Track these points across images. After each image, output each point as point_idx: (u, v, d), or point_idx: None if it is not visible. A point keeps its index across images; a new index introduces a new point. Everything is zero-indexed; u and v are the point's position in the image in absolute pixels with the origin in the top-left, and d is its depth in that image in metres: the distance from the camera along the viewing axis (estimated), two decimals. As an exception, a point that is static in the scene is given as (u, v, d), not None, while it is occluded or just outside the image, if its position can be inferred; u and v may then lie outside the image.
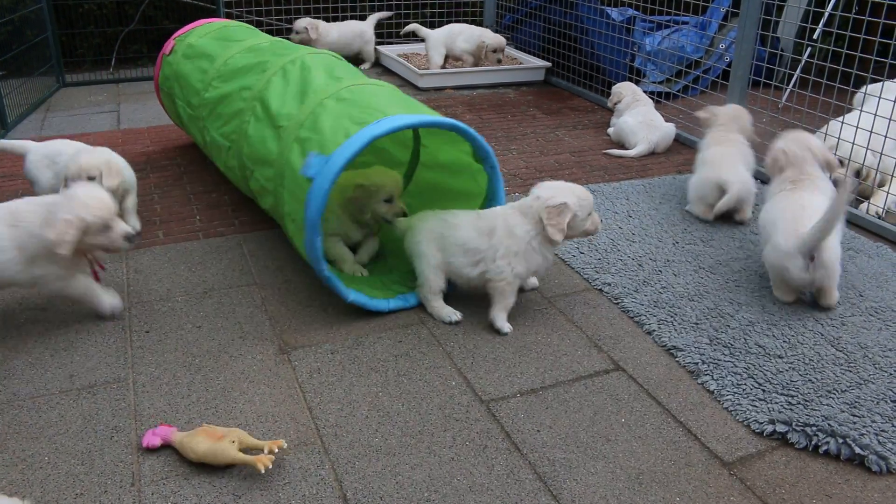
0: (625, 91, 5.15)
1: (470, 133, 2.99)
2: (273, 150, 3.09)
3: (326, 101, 3.03)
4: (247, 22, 6.84)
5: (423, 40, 6.62)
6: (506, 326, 2.89)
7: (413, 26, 6.63)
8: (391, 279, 3.21)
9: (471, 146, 3.09)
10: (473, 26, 6.60)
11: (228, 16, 6.70)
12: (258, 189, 3.29)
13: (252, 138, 3.29)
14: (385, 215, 3.15)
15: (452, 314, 2.96)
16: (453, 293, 3.10)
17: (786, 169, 3.23)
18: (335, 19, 7.27)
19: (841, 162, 4.00)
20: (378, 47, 7.09)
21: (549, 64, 6.56)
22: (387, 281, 3.20)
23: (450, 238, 2.93)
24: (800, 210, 2.97)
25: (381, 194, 3.11)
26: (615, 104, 5.15)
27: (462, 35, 6.46)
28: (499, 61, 6.41)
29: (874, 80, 4.08)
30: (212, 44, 4.15)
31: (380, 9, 7.40)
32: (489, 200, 3.21)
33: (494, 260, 2.86)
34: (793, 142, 3.29)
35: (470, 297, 3.12)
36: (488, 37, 6.37)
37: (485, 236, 2.89)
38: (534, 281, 3.19)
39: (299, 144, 2.93)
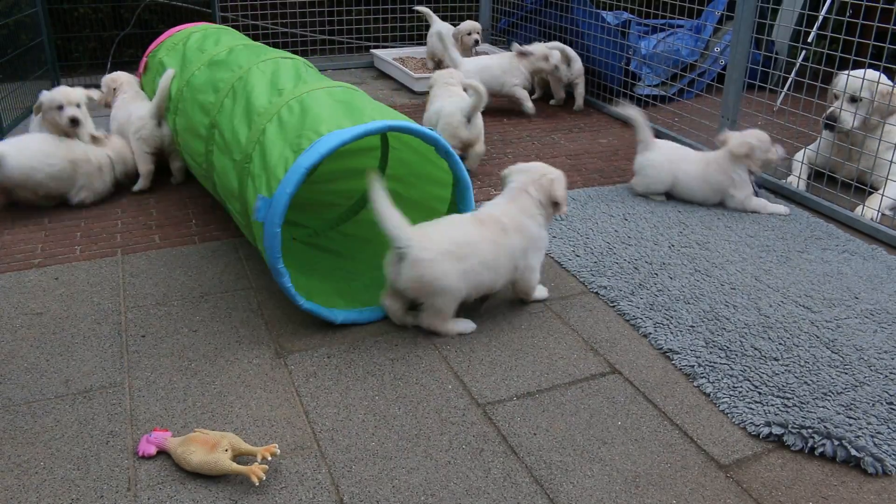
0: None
1: (409, 128, 2.83)
2: (235, 184, 3.01)
3: (267, 126, 2.91)
4: (242, 27, 6.84)
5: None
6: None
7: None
8: (356, 287, 3.15)
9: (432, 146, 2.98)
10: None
11: (224, 20, 6.70)
12: (238, 222, 3.22)
13: (218, 170, 3.21)
14: None
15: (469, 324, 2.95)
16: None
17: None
18: (329, 23, 7.28)
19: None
20: (374, 50, 7.10)
21: (544, 67, 6.56)
22: (352, 289, 3.13)
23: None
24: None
25: None
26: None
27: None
28: (476, 42, 6.40)
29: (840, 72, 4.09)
30: (176, 62, 4.04)
31: (375, 13, 7.40)
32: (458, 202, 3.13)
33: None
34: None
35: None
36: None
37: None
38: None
39: (252, 181, 2.85)
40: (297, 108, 2.93)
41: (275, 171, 2.72)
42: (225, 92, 3.35)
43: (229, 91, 3.34)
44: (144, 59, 4.40)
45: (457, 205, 3.08)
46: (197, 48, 3.97)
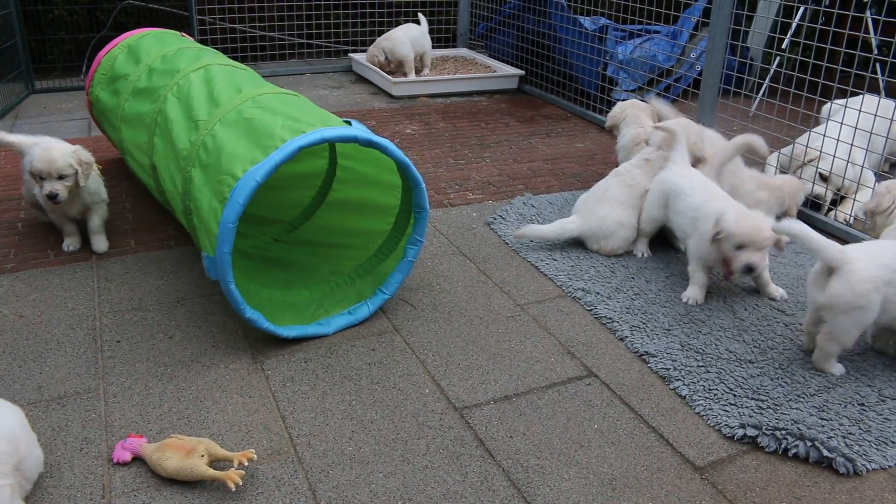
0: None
1: (321, 139, 2.66)
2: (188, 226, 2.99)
3: (193, 173, 2.82)
4: (220, 30, 6.80)
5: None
6: None
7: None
8: (304, 297, 3.10)
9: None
10: None
11: (201, 23, 6.66)
12: None
13: (178, 213, 3.15)
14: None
15: None
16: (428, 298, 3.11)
17: None
18: (308, 27, 7.27)
19: (823, 177, 4.06)
20: (352, 55, 7.09)
21: (522, 72, 6.59)
22: (301, 301, 3.08)
23: None
24: None
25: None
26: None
27: None
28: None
29: (847, 91, 4.13)
30: (109, 97, 3.92)
31: (353, 17, 7.39)
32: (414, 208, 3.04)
33: None
34: None
35: (443, 304, 3.13)
36: None
37: None
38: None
39: (196, 234, 2.82)
40: (210, 144, 2.81)
41: (209, 224, 2.65)
42: (152, 129, 3.28)
43: (154, 128, 3.26)
44: (87, 96, 4.26)
45: (407, 181, 2.97)
46: (122, 75, 3.85)
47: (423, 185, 2.92)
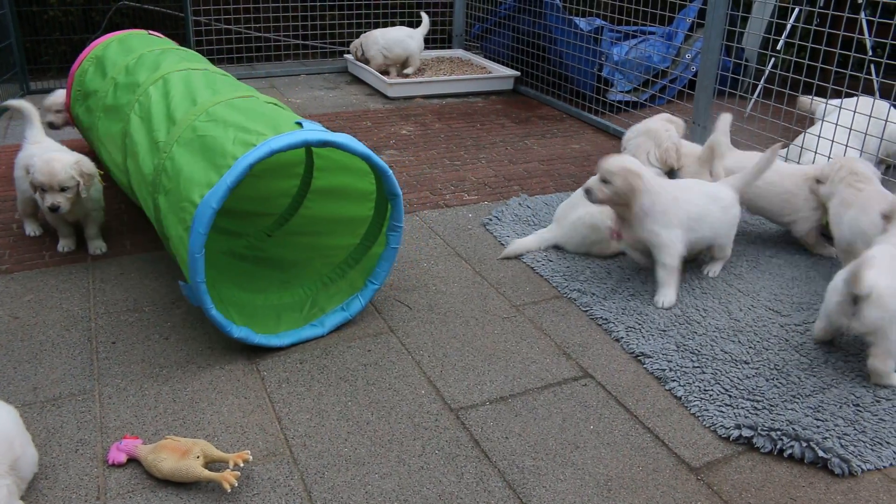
0: None
1: (271, 151, 2.58)
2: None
3: (159, 199, 2.80)
4: (215, 31, 6.79)
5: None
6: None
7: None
8: (299, 297, 3.09)
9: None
10: None
11: (197, 24, 6.65)
12: None
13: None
14: None
15: None
16: (428, 302, 3.11)
17: None
18: (303, 27, 7.27)
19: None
20: (347, 55, 7.08)
21: (517, 73, 6.60)
22: (296, 302, 3.07)
23: None
24: None
25: None
26: None
27: None
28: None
29: (842, 93, 4.15)
30: (85, 115, 3.88)
31: (349, 17, 7.39)
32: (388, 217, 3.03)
33: None
34: None
35: (439, 305, 3.13)
36: None
37: None
38: None
39: (174, 256, 2.82)
40: (170, 168, 2.78)
41: (180, 253, 2.64)
42: (123, 152, 3.25)
43: (125, 150, 3.23)
44: (68, 113, 4.24)
45: (375, 171, 2.91)
46: (93, 92, 3.80)
47: (390, 171, 2.87)
